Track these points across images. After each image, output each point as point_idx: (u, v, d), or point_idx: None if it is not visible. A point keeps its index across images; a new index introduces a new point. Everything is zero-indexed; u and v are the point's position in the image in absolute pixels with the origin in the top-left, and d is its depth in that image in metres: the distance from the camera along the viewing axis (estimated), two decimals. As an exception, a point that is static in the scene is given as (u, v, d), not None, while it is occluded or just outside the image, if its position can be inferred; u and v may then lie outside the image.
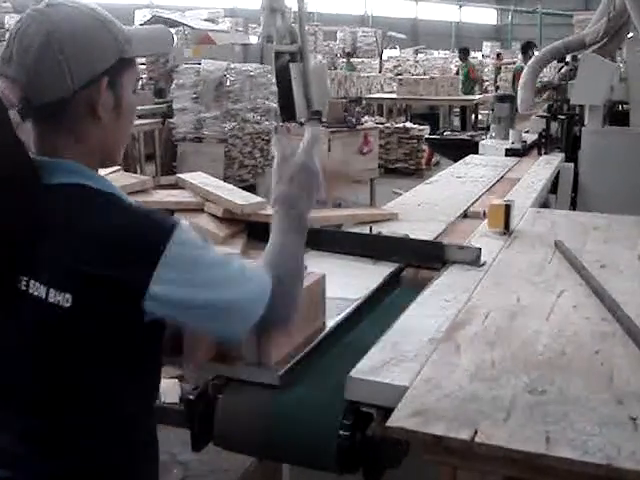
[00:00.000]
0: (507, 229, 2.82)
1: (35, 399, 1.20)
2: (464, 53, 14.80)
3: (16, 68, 1.17)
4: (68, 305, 1.13)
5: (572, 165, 5.24)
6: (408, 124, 11.68)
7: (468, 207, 3.46)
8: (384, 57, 21.31)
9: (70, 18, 1.18)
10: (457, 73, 15.04)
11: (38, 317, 1.16)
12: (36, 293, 1.15)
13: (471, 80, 14.24)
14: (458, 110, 14.35)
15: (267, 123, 9.80)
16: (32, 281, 1.16)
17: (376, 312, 2.15)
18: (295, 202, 1.44)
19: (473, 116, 13.71)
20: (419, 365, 1.65)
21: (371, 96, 15.45)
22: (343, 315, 2.02)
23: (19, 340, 1.18)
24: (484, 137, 6.24)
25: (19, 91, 1.17)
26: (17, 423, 1.21)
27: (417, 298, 2.14)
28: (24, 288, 1.16)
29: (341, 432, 1.55)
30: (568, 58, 6.88)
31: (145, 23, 17.30)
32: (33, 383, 1.19)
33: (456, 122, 14.48)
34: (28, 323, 1.17)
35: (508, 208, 2.83)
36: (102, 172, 1.31)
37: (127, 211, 1.20)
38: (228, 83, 9.35)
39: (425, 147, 10.62)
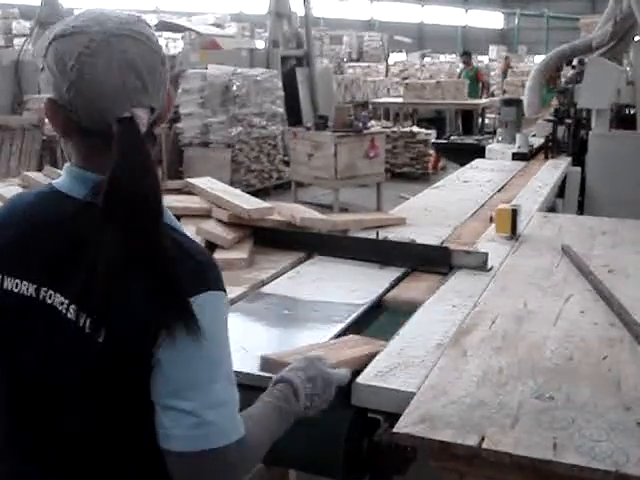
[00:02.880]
0: (514, 234, 2.82)
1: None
2: (467, 57, 14.74)
3: (150, 94, 1.14)
4: (101, 340, 1.08)
5: (579, 169, 5.23)
6: (415, 128, 11.65)
7: (475, 211, 3.46)
8: (390, 61, 21.33)
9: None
10: (459, 76, 14.99)
11: (71, 344, 1.11)
12: (72, 318, 1.11)
13: (477, 82, 14.18)
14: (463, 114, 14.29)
15: (274, 128, 9.83)
16: (72, 305, 1.11)
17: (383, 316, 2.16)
18: (291, 403, 1.31)
19: (480, 120, 13.69)
20: (426, 371, 1.65)
21: (377, 100, 15.46)
22: (349, 320, 2.02)
23: (51, 361, 1.14)
24: (491, 141, 6.23)
25: (149, 117, 1.14)
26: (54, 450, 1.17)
27: (424, 303, 2.14)
28: (64, 311, 1.12)
29: (348, 438, 1.55)
30: (575, 62, 6.87)
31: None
32: (65, 411, 1.15)
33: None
34: (59, 347, 1.13)
35: (515, 213, 2.82)
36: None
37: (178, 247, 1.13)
38: (234, 88, 9.37)
39: (432, 151, 10.60)
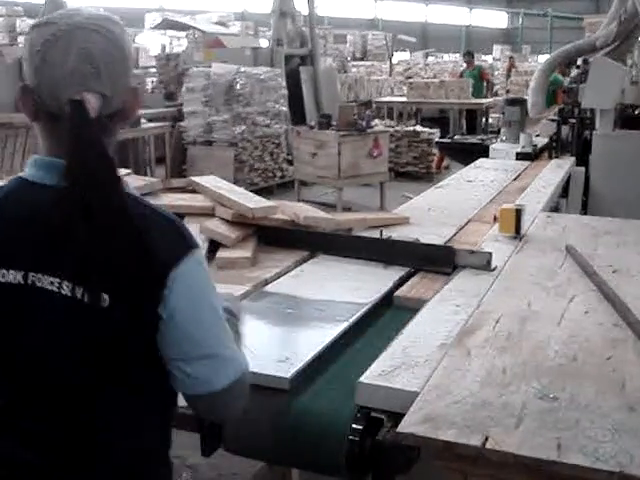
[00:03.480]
0: (518, 233, 2.81)
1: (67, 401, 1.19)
2: (469, 57, 14.67)
3: (103, 82, 1.19)
4: (106, 305, 1.14)
5: (583, 169, 5.22)
6: (418, 127, 11.62)
7: (479, 211, 3.45)
8: (394, 60, 21.30)
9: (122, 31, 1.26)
10: (460, 76, 14.94)
11: (72, 318, 1.16)
12: (68, 293, 1.15)
13: (481, 82, 14.12)
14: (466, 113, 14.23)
15: (277, 126, 9.83)
16: (65, 282, 1.16)
17: (385, 317, 2.15)
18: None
19: (483, 119, 13.66)
20: (430, 371, 1.65)
21: (381, 99, 15.43)
22: (353, 319, 2.02)
23: (52, 340, 1.18)
24: (495, 141, 6.23)
25: (100, 103, 1.19)
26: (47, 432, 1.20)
27: (427, 303, 2.13)
28: (56, 289, 1.16)
29: (351, 437, 1.55)
30: (579, 62, 6.86)
31: (156, 27, 17.35)
32: (63, 389, 1.18)
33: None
34: (59, 324, 1.17)
35: (519, 212, 2.82)
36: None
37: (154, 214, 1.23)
38: (238, 86, 9.37)
39: (435, 150, 10.59)
